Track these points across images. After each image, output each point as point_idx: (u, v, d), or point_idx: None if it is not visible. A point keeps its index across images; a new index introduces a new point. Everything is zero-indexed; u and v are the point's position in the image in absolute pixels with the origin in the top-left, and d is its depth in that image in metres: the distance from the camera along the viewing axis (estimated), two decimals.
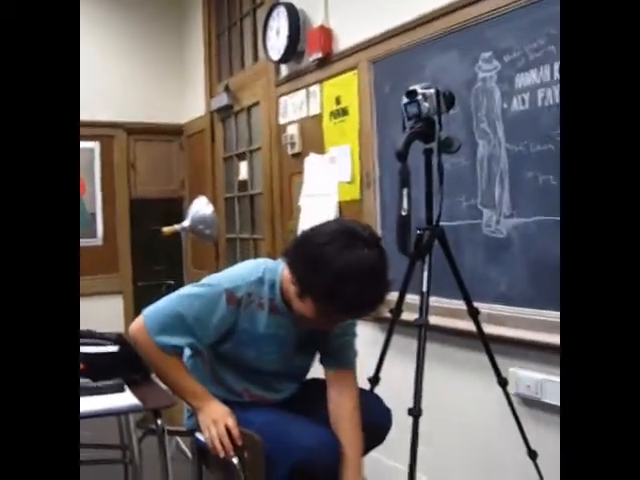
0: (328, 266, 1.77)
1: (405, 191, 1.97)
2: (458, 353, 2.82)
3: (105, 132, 5.51)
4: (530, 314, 2.45)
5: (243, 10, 4.82)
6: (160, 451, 2.55)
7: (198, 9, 5.44)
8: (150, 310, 2.00)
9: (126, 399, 2.47)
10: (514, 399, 2.40)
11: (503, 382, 2.30)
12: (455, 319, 2.68)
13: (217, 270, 5.08)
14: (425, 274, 2.07)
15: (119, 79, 5.53)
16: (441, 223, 2.17)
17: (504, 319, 2.55)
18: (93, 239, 5.48)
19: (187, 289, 2.02)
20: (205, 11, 5.34)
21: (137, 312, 5.89)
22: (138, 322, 2.01)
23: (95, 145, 5.50)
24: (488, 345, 2.27)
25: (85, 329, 2.92)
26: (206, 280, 2.03)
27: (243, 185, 4.79)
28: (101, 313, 5.21)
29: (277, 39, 3.93)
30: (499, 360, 2.32)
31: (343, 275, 1.76)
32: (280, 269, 1.99)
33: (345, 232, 1.83)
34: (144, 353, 2.03)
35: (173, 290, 2.02)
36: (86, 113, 5.28)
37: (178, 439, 3.90)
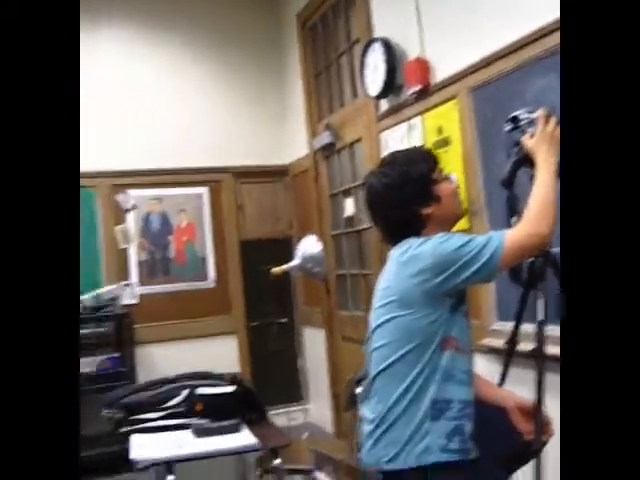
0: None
1: (514, 219, 1.92)
2: None
3: (212, 177, 5.66)
4: None
5: (340, 48, 4.89)
6: None
7: (295, 50, 5.54)
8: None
9: (244, 439, 2.51)
10: None
11: None
12: None
13: (329, 306, 5.16)
14: (540, 302, 2.00)
15: (222, 124, 5.69)
16: (554, 249, 2.10)
17: None
18: (205, 282, 5.62)
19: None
20: (302, 51, 5.44)
21: (251, 351, 5.94)
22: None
23: (204, 190, 5.67)
24: None
25: (202, 370, 3.00)
26: None
27: (350, 221, 4.81)
28: (216, 354, 5.33)
29: (375, 74, 3.96)
30: None
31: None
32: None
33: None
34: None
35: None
36: (194, 160, 5.52)
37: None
